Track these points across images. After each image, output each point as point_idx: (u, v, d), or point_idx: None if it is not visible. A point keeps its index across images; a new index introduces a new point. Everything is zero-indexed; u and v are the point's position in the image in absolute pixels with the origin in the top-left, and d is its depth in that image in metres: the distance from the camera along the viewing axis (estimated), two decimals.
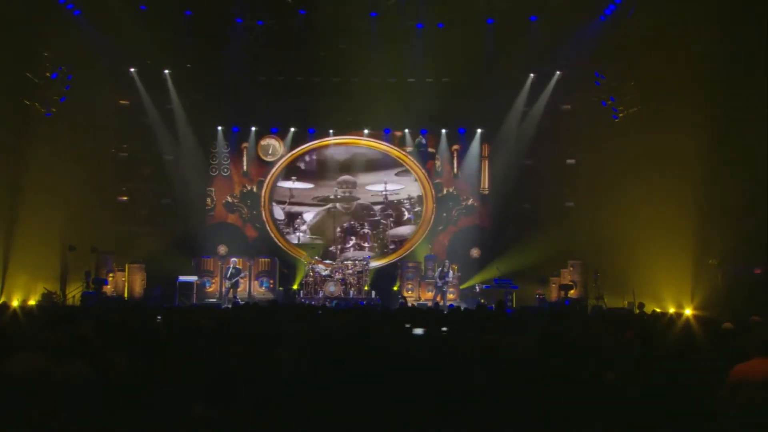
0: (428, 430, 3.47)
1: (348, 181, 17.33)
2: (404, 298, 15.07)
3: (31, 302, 12.02)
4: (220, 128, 16.96)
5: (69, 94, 14.43)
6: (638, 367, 4.36)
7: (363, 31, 14.30)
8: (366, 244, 17.17)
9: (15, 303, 11.52)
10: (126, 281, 14.74)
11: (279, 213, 17.35)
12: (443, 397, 3.69)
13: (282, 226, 17.31)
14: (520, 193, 16.72)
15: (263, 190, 17.17)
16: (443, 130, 17.16)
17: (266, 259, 16.21)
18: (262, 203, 17.17)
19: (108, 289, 14.35)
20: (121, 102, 16.19)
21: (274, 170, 17.21)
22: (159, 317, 6.80)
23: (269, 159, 17.24)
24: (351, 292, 15.23)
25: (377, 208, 17.35)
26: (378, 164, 17.38)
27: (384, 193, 17.33)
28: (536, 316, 9.54)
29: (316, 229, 17.34)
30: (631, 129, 14.17)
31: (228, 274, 15.24)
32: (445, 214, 17.30)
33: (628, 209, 13.03)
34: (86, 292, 13.58)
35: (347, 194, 17.30)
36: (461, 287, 16.03)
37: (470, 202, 17.33)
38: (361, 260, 16.06)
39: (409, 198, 17.37)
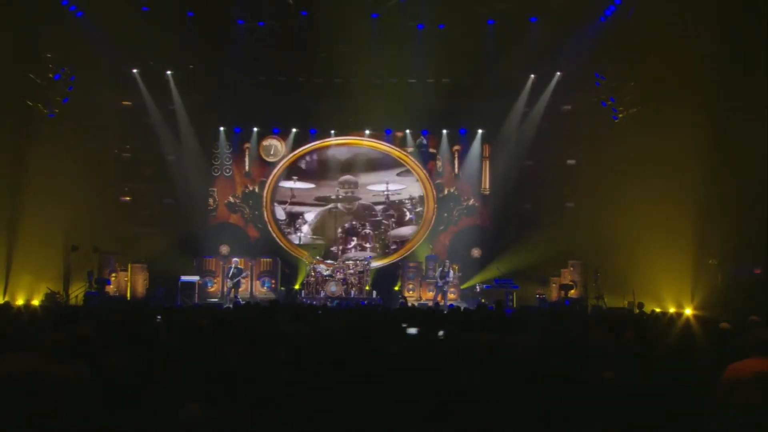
0: (428, 430, 3.48)
1: (350, 181, 17.37)
2: (404, 298, 15.10)
3: (35, 302, 12.07)
4: (222, 129, 17.02)
5: (71, 94, 14.47)
6: (638, 367, 4.38)
7: (364, 32, 14.33)
8: (368, 245, 17.21)
9: (19, 302, 11.59)
10: (128, 281, 14.80)
11: (280, 213, 17.39)
12: (443, 397, 3.70)
13: (283, 226, 17.36)
14: (521, 193, 16.75)
15: (265, 191, 17.22)
16: (444, 131, 17.21)
17: (268, 259, 16.26)
18: (264, 203, 17.21)
19: (111, 289, 14.41)
20: (124, 103, 16.24)
21: (276, 170, 17.25)
22: (159, 317, 6.81)
23: (271, 159, 17.29)
24: (352, 292, 15.27)
25: (379, 208, 17.39)
26: (380, 164, 17.42)
27: (385, 193, 17.36)
28: (536, 316, 9.56)
29: (317, 229, 17.38)
30: (631, 129, 14.18)
31: (230, 274, 15.29)
32: (446, 215, 17.33)
33: (628, 209, 13.03)
34: (89, 292, 13.63)
35: (349, 194, 17.34)
36: (462, 287, 16.07)
37: (471, 202, 17.36)
38: (362, 260, 16.11)
39: (411, 198, 17.40)
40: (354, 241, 17.23)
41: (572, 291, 14.58)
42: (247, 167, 17.24)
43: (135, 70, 15.62)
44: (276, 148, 17.30)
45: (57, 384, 3.40)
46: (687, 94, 11.80)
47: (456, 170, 17.34)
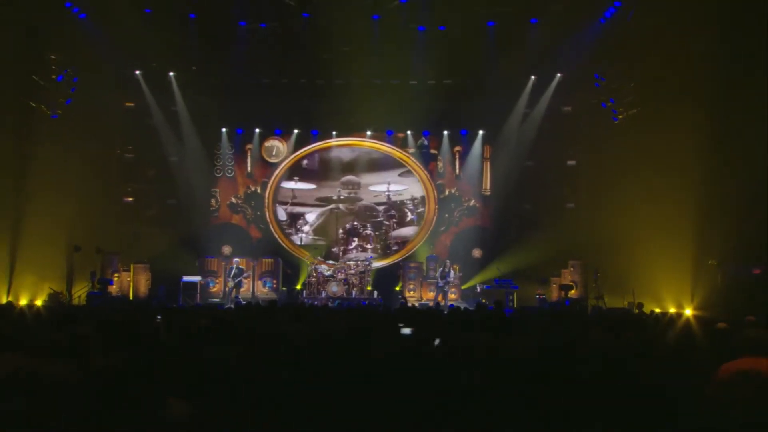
0: (428, 430, 3.51)
1: (352, 181, 17.42)
2: (405, 298, 15.15)
3: (38, 302, 12.13)
4: (224, 130, 17.08)
5: (75, 96, 14.54)
6: (637, 366, 4.40)
7: (365, 34, 14.39)
8: (369, 246, 17.25)
9: (23, 303, 11.65)
10: (131, 281, 14.87)
11: (282, 214, 17.44)
12: (443, 398, 3.73)
13: (285, 226, 17.41)
14: (522, 194, 16.78)
15: (267, 191, 17.27)
16: (445, 132, 17.25)
17: (270, 260, 16.31)
18: (266, 204, 17.26)
19: (113, 289, 14.47)
20: (127, 104, 16.32)
21: (277, 171, 17.30)
22: (159, 317, 6.84)
23: (273, 160, 17.34)
24: (353, 292, 15.33)
25: (380, 208, 17.43)
26: (381, 164, 17.46)
27: (387, 193, 17.40)
28: (536, 316, 9.59)
29: (319, 229, 17.43)
30: (631, 130, 14.19)
31: (231, 274, 15.35)
32: (447, 215, 17.37)
33: (628, 209, 13.05)
34: (92, 292, 13.70)
35: (351, 195, 17.39)
36: (462, 287, 16.10)
37: (472, 203, 17.40)
38: (363, 260, 16.16)
39: (413, 198, 17.45)
40: (355, 242, 17.28)
41: (572, 291, 14.61)
42: (249, 168, 17.30)
43: (138, 72, 15.68)
44: (278, 148, 17.36)
45: (54, 384, 3.42)
46: (687, 94, 11.79)
47: (457, 171, 17.37)
